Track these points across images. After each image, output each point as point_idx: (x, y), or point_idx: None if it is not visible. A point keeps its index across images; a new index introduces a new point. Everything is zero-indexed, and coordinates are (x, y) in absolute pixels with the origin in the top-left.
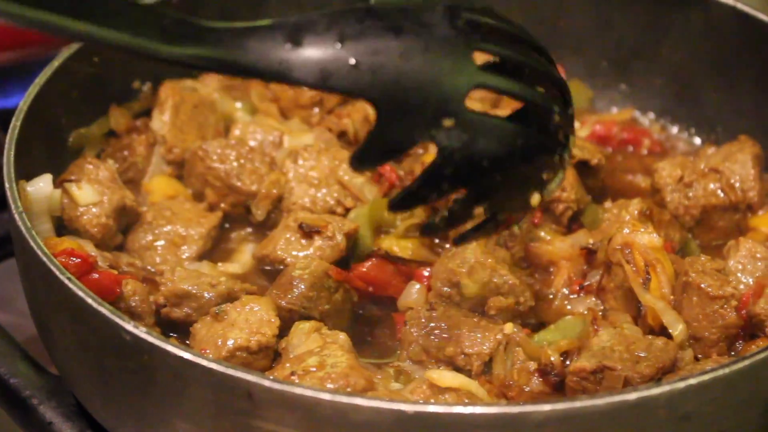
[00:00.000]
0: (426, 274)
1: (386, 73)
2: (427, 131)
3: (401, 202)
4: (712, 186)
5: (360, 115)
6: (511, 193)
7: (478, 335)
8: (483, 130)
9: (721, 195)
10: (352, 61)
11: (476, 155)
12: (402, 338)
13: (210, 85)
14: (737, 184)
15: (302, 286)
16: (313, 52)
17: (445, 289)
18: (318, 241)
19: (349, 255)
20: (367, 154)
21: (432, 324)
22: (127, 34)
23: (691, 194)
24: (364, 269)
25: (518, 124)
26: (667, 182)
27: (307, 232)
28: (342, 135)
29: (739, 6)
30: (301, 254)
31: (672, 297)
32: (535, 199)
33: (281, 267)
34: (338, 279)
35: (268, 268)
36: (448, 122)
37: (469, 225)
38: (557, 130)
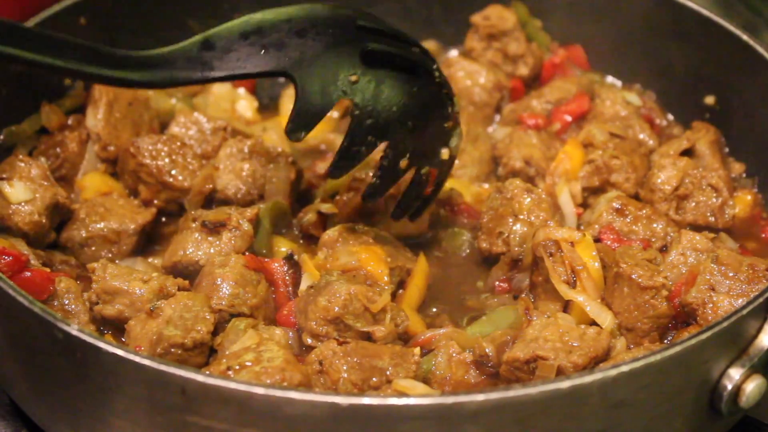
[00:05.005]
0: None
1: (291, 52)
2: (339, 90)
3: (338, 165)
4: (703, 199)
5: None
6: (424, 145)
7: (396, 362)
8: (384, 80)
9: (710, 217)
10: (262, 51)
11: (386, 101)
12: (326, 372)
13: None
14: (721, 186)
15: (227, 286)
16: (226, 51)
17: (323, 328)
18: (226, 234)
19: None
20: (298, 123)
21: (351, 358)
22: (96, 67)
23: (691, 205)
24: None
25: (411, 75)
26: (666, 191)
27: (212, 228)
28: None
29: None
30: (212, 251)
31: (600, 296)
32: (445, 153)
33: (195, 269)
34: (256, 268)
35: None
36: (353, 77)
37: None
38: (441, 86)
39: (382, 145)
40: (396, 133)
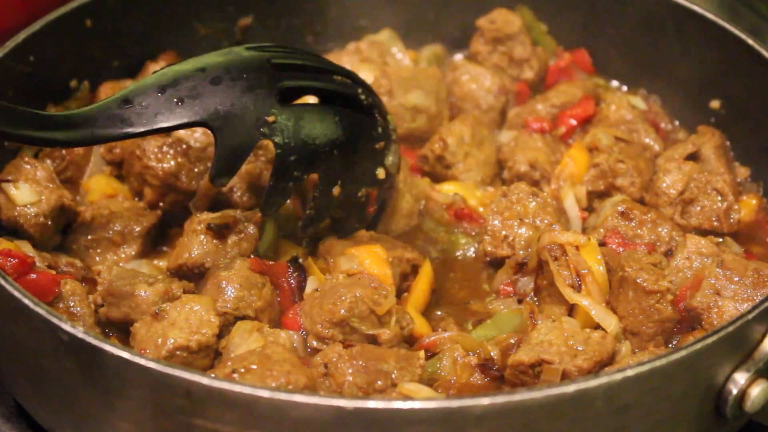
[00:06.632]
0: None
1: (207, 101)
2: (258, 132)
3: (268, 203)
4: (708, 203)
5: None
6: (357, 170)
7: (401, 366)
8: (302, 115)
9: (715, 221)
10: (178, 103)
11: (307, 137)
12: (331, 375)
13: None
14: (727, 191)
15: (232, 289)
16: (144, 107)
17: (328, 331)
18: (232, 237)
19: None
20: (220, 169)
21: (356, 361)
22: (19, 128)
23: (696, 209)
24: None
25: (332, 105)
26: (671, 195)
27: (218, 231)
28: None
29: None
30: (218, 254)
31: (605, 300)
32: (380, 173)
33: (200, 272)
34: (261, 271)
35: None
36: (271, 118)
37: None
38: (371, 107)
39: (313, 176)
40: (323, 163)
